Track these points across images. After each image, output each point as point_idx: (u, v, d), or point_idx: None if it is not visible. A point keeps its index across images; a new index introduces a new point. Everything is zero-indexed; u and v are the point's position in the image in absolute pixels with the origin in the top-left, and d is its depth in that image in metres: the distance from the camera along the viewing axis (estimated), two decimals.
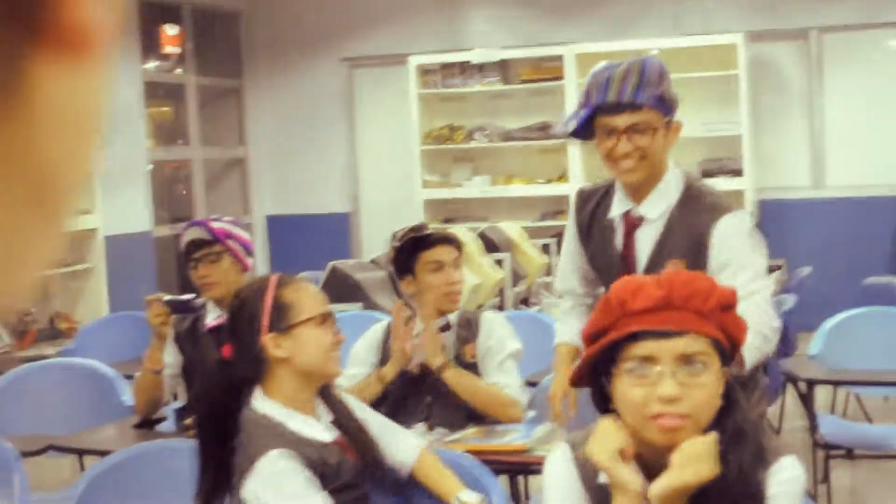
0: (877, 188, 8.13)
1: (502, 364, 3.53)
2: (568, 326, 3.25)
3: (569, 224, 3.22)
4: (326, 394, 2.66)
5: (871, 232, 8.12)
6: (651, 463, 1.95)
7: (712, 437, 1.91)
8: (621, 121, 2.88)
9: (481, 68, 8.95)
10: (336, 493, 2.48)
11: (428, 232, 3.63)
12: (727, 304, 1.97)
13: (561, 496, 2.07)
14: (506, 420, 3.42)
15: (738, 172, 8.02)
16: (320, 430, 2.58)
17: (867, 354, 4.62)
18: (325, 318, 2.63)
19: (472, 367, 3.51)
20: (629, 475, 1.92)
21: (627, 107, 2.87)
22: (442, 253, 3.56)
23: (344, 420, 2.64)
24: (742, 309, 2.06)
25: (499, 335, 3.56)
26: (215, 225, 3.75)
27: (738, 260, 2.86)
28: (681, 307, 1.93)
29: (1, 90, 0.28)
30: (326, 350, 2.61)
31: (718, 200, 3.01)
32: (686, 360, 1.91)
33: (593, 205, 3.12)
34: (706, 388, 1.92)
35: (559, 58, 8.53)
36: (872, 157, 8.14)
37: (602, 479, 1.99)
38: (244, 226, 4.07)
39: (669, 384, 1.89)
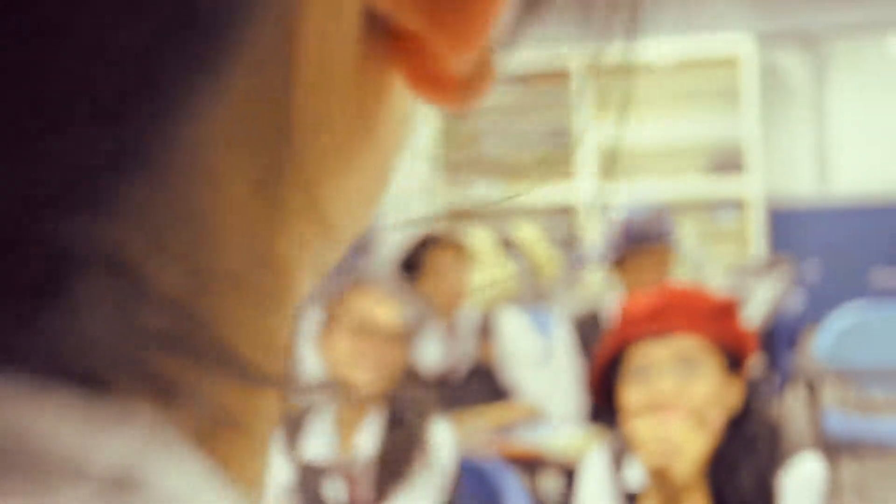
0: (883, 193, 8.19)
1: (518, 367, 3.57)
2: None
3: None
4: None
5: (876, 234, 8.17)
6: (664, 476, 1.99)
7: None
8: None
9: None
10: None
11: (432, 233, 3.64)
12: (724, 310, 2.02)
13: (593, 498, 2.13)
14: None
15: (743, 176, 8.08)
16: None
17: (874, 349, 4.68)
18: None
19: (491, 371, 3.55)
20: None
21: None
22: (444, 255, 3.60)
23: None
24: None
25: (515, 335, 3.60)
26: None
27: None
28: (674, 311, 2.00)
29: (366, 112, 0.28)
30: None
31: None
32: (681, 360, 1.97)
33: None
34: (703, 388, 1.95)
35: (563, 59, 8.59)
36: (880, 161, 8.19)
37: (633, 484, 2.05)
38: None
39: (663, 382, 1.96)
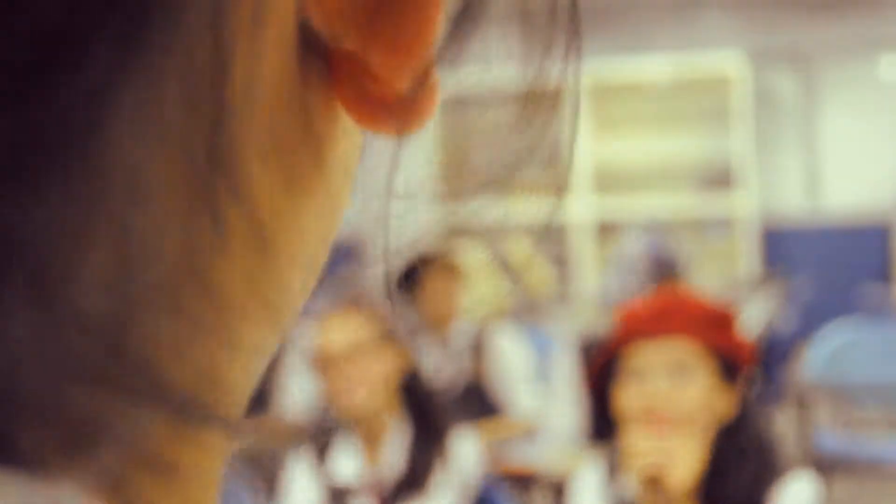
0: (870, 211, 8.23)
1: (512, 385, 3.59)
2: None
3: None
4: None
5: (867, 252, 8.21)
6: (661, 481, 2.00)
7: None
8: None
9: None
10: None
11: (427, 251, 3.65)
12: (721, 317, 2.04)
13: None
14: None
15: (735, 194, 8.11)
16: None
17: (865, 366, 4.70)
18: None
19: (485, 389, 3.57)
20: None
21: None
22: (438, 273, 3.62)
23: None
24: None
25: (508, 352, 3.62)
26: None
27: None
28: (671, 314, 2.01)
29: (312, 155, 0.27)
30: None
31: None
32: (675, 362, 1.98)
33: None
34: (695, 392, 1.97)
35: None
36: (870, 179, 8.23)
37: (627, 494, 2.07)
38: None
39: (657, 384, 1.97)
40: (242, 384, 0.27)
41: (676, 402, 1.97)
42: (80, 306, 0.21)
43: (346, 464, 2.55)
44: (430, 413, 2.58)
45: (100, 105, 0.21)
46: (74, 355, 0.21)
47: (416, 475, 2.51)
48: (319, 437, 2.61)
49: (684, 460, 1.94)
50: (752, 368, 2.06)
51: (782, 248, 8.23)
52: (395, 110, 0.27)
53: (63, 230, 0.21)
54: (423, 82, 0.27)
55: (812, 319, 6.25)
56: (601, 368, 2.08)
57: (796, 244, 8.28)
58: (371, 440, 2.54)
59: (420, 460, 2.52)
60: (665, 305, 2.04)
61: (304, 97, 0.26)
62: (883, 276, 8.00)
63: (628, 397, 2.01)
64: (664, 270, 3.56)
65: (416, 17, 0.26)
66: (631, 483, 2.05)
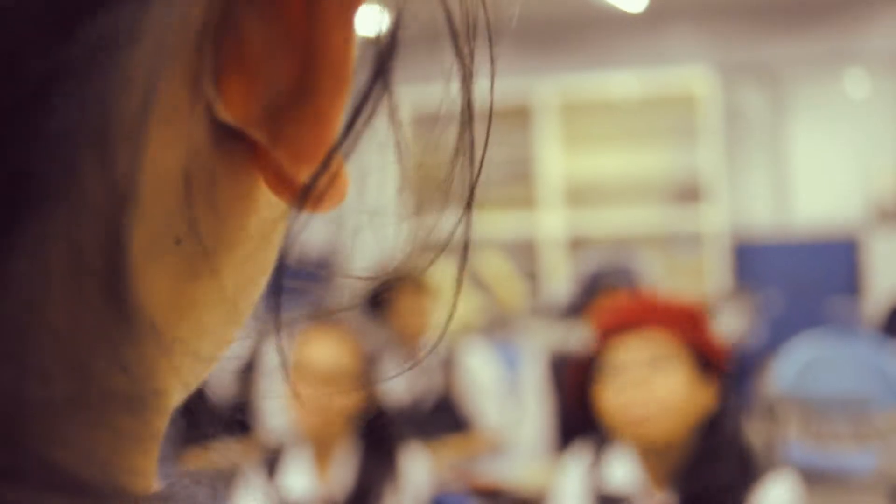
0: (839, 225, 8.30)
1: (482, 399, 3.59)
2: None
3: None
4: None
5: (835, 266, 8.28)
6: (655, 465, 2.07)
7: None
8: None
9: None
10: None
11: (395, 272, 3.68)
12: (695, 315, 2.10)
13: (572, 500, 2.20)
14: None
15: (704, 209, 8.16)
16: None
17: (833, 379, 4.73)
18: None
19: (455, 404, 3.58)
20: None
21: None
22: (408, 288, 3.63)
23: None
24: None
25: (479, 368, 3.63)
26: None
27: None
28: (647, 310, 2.08)
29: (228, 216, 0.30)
30: None
31: None
32: (653, 354, 2.04)
33: None
34: (674, 382, 2.02)
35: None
36: (838, 194, 8.29)
37: (610, 489, 2.12)
38: None
39: (636, 374, 2.03)
40: (144, 467, 0.29)
41: (657, 391, 2.01)
42: None
43: (298, 480, 2.56)
44: (381, 430, 2.59)
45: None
46: None
47: (366, 492, 2.51)
48: (271, 452, 2.63)
49: (667, 418, 2.00)
50: (726, 366, 2.10)
51: (752, 262, 8.27)
52: (302, 195, 0.29)
53: None
54: (324, 171, 0.29)
55: (781, 333, 6.29)
56: (582, 370, 2.12)
57: (766, 258, 8.33)
58: (322, 456, 2.55)
59: (371, 477, 2.53)
60: (640, 303, 2.12)
61: (226, 179, 0.29)
62: (852, 289, 8.06)
63: (610, 392, 2.05)
64: (604, 285, 3.62)
65: (317, 124, 0.29)
66: (619, 465, 2.10)
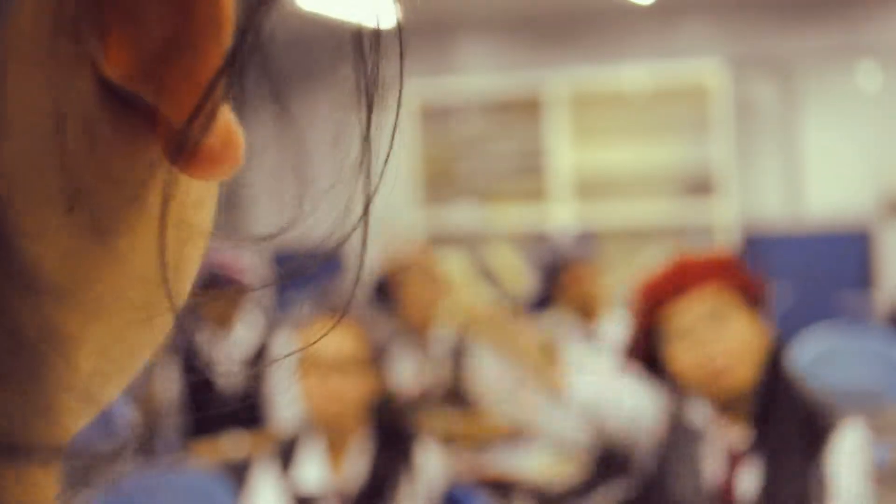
0: (850, 218, 8.28)
1: (492, 392, 3.59)
2: None
3: None
4: None
5: (844, 259, 8.26)
6: (730, 408, 2.18)
7: None
8: None
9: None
10: None
11: (407, 258, 3.67)
12: (730, 261, 2.28)
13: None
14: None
15: (715, 202, 8.14)
16: None
17: (843, 372, 4.72)
18: None
19: (465, 396, 3.57)
20: None
21: None
22: (419, 280, 3.62)
23: None
24: None
25: (486, 360, 3.63)
26: None
27: None
28: (689, 270, 2.22)
29: (132, 201, 0.29)
30: None
31: None
32: (711, 308, 2.17)
33: None
34: (737, 335, 2.16)
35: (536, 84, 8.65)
36: (850, 186, 8.27)
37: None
38: None
39: (699, 335, 2.15)
40: (66, 421, 0.29)
41: (727, 345, 2.14)
42: None
43: (312, 472, 2.56)
44: (395, 423, 2.60)
45: None
46: None
47: (380, 484, 2.52)
48: (284, 444, 2.63)
49: (740, 369, 2.14)
50: (768, 296, 2.30)
51: (763, 254, 8.25)
52: (178, 144, 0.28)
53: None
54: (225, 134, 0.29)
55: (792, 326, 6.27)
56: (643, 337, 2.22)
57: (777, 251, 8.31)
58: (337, 449, 2.56)
59: (384, 470, 2.54)
60: (682, 267, 2.23)
61: (120, 147, 0.28)
62: (863, 282, 8.04)
63: (681, 355, 2.17)
64: (565, 267, 3.68)
65: (196, 73, 0.28)
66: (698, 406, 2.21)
